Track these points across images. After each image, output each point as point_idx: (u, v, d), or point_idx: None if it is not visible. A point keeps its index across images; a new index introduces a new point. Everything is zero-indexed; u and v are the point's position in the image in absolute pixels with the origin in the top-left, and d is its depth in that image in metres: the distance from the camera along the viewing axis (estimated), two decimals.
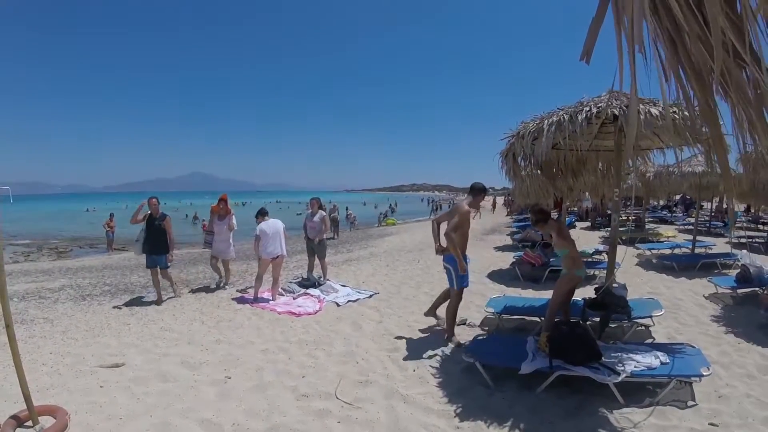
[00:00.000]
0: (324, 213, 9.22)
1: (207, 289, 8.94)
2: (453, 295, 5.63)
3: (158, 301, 7.87)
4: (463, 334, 5.81)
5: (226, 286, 8.98)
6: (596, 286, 6.23)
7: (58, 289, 9.13)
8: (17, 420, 3.85)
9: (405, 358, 5.08)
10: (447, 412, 3.89)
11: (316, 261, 9.15)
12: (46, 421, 3.87)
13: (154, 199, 8.10)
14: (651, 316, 5.75)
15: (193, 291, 8.87)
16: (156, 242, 7.88)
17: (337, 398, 4.15)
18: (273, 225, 8.02)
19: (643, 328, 5.92)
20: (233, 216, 9.03)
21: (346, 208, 34.53)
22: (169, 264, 8.07)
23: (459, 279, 5.49)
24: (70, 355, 5.50)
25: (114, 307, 7.69)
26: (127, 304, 7.84)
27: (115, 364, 5.17)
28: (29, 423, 3.83)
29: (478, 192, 5.58)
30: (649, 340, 5.47)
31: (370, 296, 8.01)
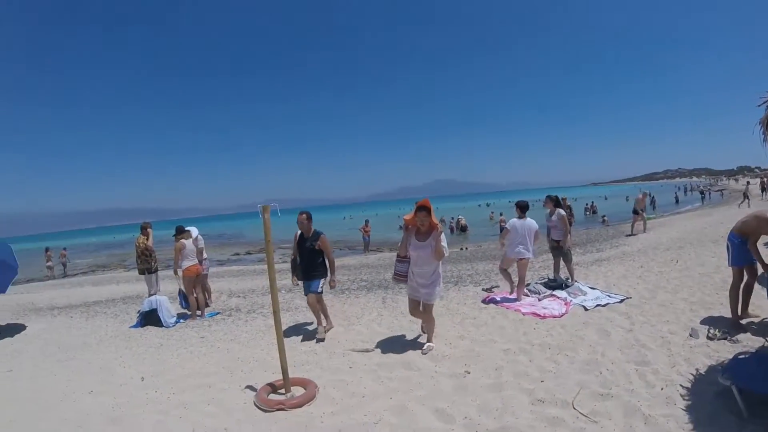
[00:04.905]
0: (563, 212, 8.64)
1: (457, 289, 9.15)
2: (733, 275, 5.76)
3: (319, 335, 6.44)
4: (722, 351, 4.92)
5: (426, 349, 5.65)
6: None
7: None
8: (272, 387, 4.68)
9: (653, 374, 4.48)
10: None
11: (562, 262, 8.75)
12: (297, 390, 4.59)
13: (303, 215, 6.60)
14: None
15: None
16: (309, 266, 6.57)
17: (574, 408, 3.89)
18: (526, 224, 7.69)
19: None
20: (442, 232, 5.54)
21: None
22: (320, 290, 6.59)
23: (735, 257, 5.67)
24: (326, 338, 6.32)
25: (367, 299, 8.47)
26: (383, 299, 8.59)
27: (365, 349, 5.77)
28: (282, 390, 4.60)
29: None
30: None
31: (621, 301, 7.21)
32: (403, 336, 6.20)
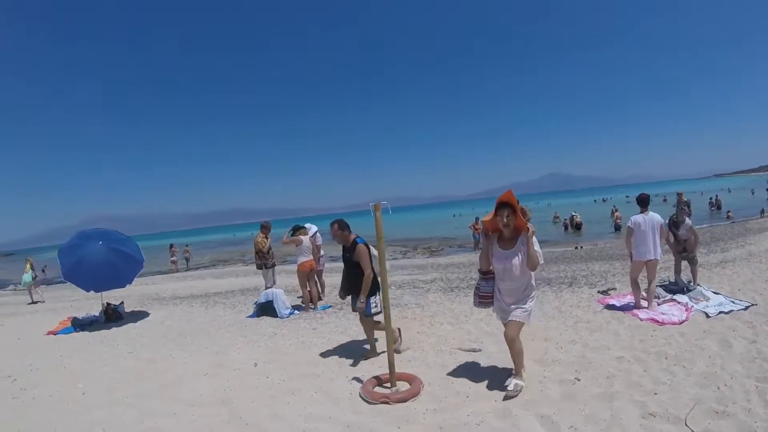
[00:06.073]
0: (690, 222, 7.81)
1: (571, 290, 8.86)
2: None
3: (369, 353, 5.91)
4: None
5: (513, 390, 4.45)
6: None
7: (429, 281, 10.56)
8: (378, 380, 4.86)
9: None
10: None
11: (684, 263, 8.13)
12: (402, 385, 4.73)
13: (334, 226, 5.68)
14: None
15: (554, 291, 8.91)
16: (350, 280, 5.73)
17: (686, 426, 3.67)
18: (649, 219, 6.96)
19: None
20: (534, 233, 4.29)
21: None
22: (372, 312, 5.56)
23: None
24: (434, 336, 6.48)
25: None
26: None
27: (472, 349, 5.82)
28: (388, 384, 4.75)
29: None
30: None
31: (746, 308, 6.55)
32: None
